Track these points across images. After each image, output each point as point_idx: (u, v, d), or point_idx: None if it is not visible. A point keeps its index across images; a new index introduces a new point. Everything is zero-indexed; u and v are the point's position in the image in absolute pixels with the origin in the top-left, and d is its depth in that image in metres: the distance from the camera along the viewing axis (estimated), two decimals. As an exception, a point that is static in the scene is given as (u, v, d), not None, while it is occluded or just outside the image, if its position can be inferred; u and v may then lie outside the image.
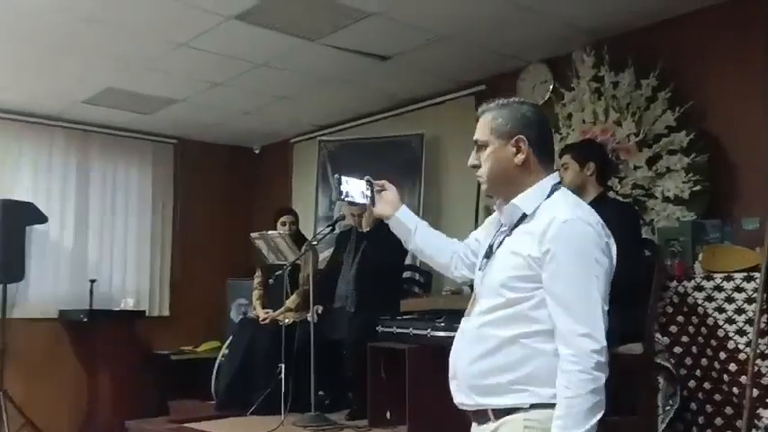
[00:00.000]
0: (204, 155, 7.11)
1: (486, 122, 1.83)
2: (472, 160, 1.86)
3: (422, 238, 2.04)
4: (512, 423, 1.69)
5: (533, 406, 1.67)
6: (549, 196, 1.77)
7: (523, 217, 1.76)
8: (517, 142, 1.78)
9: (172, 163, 6.97)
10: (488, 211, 4.35)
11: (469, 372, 1.76)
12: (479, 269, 1.85)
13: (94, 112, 6.14)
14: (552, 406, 1.63)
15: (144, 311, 6.42)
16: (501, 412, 1.71)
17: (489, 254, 1.82)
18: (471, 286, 3.47)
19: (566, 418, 1.59)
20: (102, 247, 6.51)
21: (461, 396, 1.80)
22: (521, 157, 1.78)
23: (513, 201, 1.78)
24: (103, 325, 5.92)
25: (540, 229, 1.69)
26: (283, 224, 5.22)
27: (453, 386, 1.83)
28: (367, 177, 2.08)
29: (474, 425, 1.83)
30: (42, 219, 5.91)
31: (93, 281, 6.01)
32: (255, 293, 5.41)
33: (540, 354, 1.67)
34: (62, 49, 4.73)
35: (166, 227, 6.89)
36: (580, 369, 1.60)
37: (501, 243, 1.80)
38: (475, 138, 1.85)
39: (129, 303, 6.41)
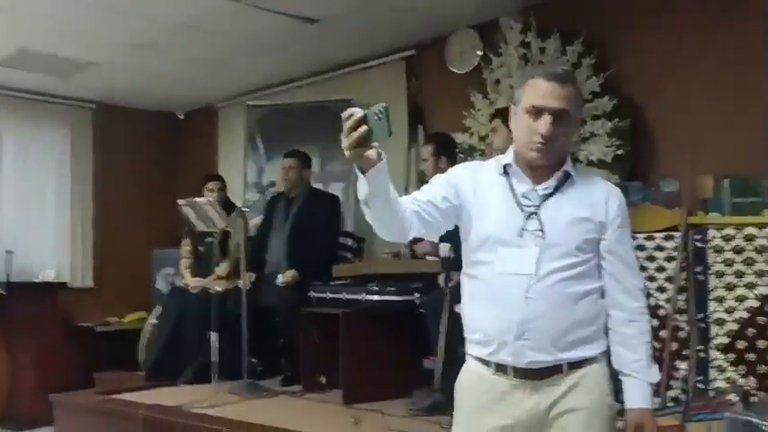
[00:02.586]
0: (125, 120, 6.87)
1: (573, 94, 1.82)
2: (549, 130, 1.77)
3: (393, 192, 1.79)
4: (593, 372, 1.81)
5: (602, 354, 1.84)
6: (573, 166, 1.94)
7: (565, 179, 1.85)
8: (582, 119, 1.87)
9: (90, 129, 6.73)
10: (422, 178, 4.37)
11: (555, 327, 1.75)
12: (537, 230, 1.79)
13: (7, 75, 5.86)
14: (606, 354, 1.85)
15: (65, 283, 6.22)
16: (575, 365, 1.79)
17: (531, 214, 1.80)
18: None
19: (647, 359, 1.84)
20: (19, 217, 6.26)
21: (539, 355, 1.75)
22: (577, 131, 1.87)
23: (565, 168, 1.86)
24: (23, 298, 5.70)
25: (602, 198, 1.86)
26: (210, 191, 5.13)
27: (518, 345, 1.75)
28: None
29: (517, 385, 1.77)
30: (-48, 188, 5.63)
31: (9, 252, 5.76)
32: (184, 262, 5.31)
33: (601, 308, 1.85)
34: (-30, 7, 4.48)
35: (87, 195, 6.67)
36: (648, 319, 1.88)
37: (541, 204, 1.81)
38: (560, 107, 1.78)
39: (49, 275, 6.19)
